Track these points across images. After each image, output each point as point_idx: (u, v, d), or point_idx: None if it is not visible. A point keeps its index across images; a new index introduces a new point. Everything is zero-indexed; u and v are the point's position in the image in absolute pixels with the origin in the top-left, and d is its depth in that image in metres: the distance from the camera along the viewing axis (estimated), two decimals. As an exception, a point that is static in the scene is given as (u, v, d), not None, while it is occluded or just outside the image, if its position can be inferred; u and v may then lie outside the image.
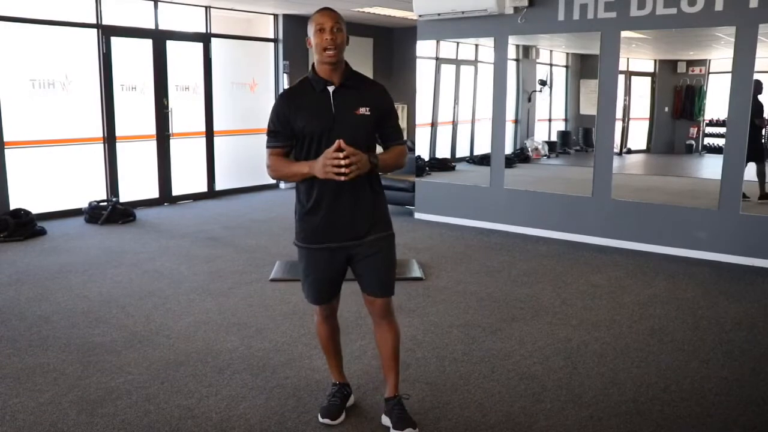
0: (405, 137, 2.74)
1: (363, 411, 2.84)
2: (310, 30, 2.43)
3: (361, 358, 3.36)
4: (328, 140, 2.39)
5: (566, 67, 10.22)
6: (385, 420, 2.69)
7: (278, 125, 2.49)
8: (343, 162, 2.29)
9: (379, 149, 2.58)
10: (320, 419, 2.72)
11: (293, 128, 2.46)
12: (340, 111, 2.45)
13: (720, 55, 8.71)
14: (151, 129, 7.69)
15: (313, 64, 2.50)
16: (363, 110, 2.46)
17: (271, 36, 8.99)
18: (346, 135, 2.39)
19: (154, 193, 7.81)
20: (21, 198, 6.52)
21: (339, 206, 2.46)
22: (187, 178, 8.14)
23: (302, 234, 2.56)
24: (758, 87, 6.64)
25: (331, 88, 2.45)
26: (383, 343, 2.67)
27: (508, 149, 8.37)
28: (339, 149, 2.30)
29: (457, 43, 8.68)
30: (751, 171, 6.65)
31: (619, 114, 6.81)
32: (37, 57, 6.64)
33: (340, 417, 2.74)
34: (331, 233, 2.50)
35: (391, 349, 2.66)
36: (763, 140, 6.63)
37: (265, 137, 2.54)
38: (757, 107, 6.58)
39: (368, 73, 10.05)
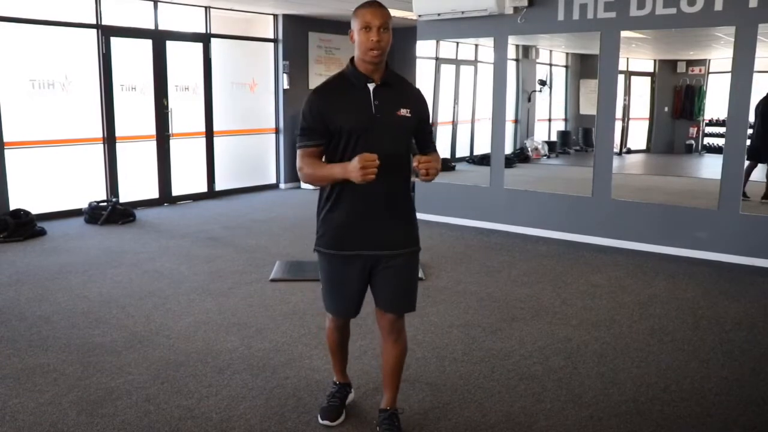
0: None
1: (363, 411, 2.84)
2: (355, 25, 2.28)
3: (361, 358, 3.36)
4: (367, 140, 2.28)
5: (566, 67, 10.23)
6: None
7: (312, 122, 2.32)
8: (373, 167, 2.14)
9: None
10: (320, 420, 2.72)
11: (328, 126, 2.30)
12: (381, 110, 2.32)
13: (720, 55, 8.73)
14: (151, 129, 7.68)
15: (352, 58, 2.37)
16: (404, 111, 2.35)
17: (271, 36, 8.99)
18: (387, 135, 2.31)
19: (154, 193, 7.80)
20: (21, 198, 6.51)
21: (366, 207, 2.35)
22: (187, 179, 8.13)
23: (324, 237, 2.43)
24: None
25: (371, 86, 2.33)
26: (386, 359, 2.58)
27: (508, 149, 8.40)
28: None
29: (457, 43, 8.69)
30: (758, 172, 6.65)
31: (618, 114, 6.83)
32: (36, 57, 6.64)
33: (340, 418, 2.73)
34: (356, 238, 2.38)
35: (393, 366, 2.57)
36: None
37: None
38: None
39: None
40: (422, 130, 2.46)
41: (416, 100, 2.45)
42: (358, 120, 2.30)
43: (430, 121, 2.53)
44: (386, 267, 2.42)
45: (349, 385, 2.87)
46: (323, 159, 2.38)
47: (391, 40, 2.31)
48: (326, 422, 2.70)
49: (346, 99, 2.33)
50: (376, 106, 2.32)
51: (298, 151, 2.38)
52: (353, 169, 2.16)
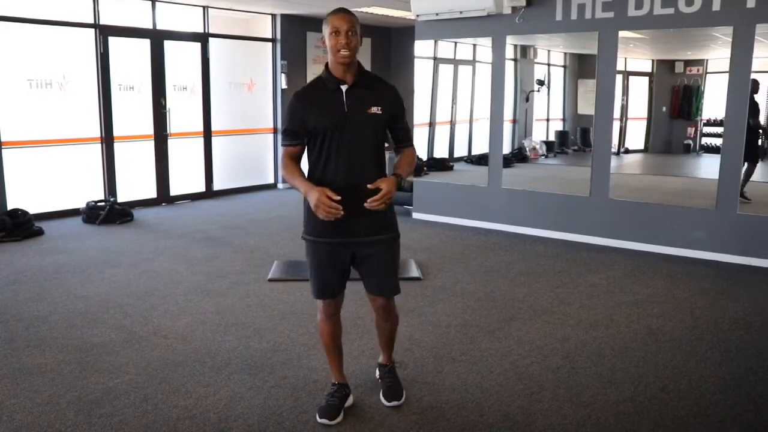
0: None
1: (362, 411, 2.84)
2: (325, 31, 2.49)
3: (360, 358, 3.36)
4: (340, 138, 2.50)
5: (564, 66, 10.23)
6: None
7: (291, 125, 2.56)
8: (334, 211, 2.38)
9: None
10: (318, 419, 2.72)
11: (306, 126, 2.53)
12: (353, 109, 2.52)
13: (717, 55, 8.74)
14: (149, 129, 7.68)
15: (327, 63, 2.57)
16: (375, 109, 2.54)
17: (269, 36, 8.98)
18: (359, 133, 2.50)
19: (151, 193, 7.80)
20: (18, 198, 6.50)
21: (345, 201, 2.44)
22: (185, 178, 8.12)
23: (307, 225, 2.62)
24: (755, 86, 6.62)
25: (344, 87, 2.53)
26: (380, 328, 2.88)
27: (506, 149, 8.40)
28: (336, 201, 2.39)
29: (455, 43, 8.69)
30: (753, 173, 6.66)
31: (616, 114, 6.82)
32: (34, 57, 6.63)
33: (339, 417, 2.74)
34: (336, 228, 2.53)
35: (387, 333, 2.89)
36: (759, 141, 6.62)
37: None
38: (753, 107, 6.58)
39: (366, 73, 10.03)
40: (396, 126, 2.64)
41: (389, 97, 2.62)
42: (331, 120, 2.52)
43: (406, 116, 2.72)
44: (370, 255, 2.63)
45: (347, 386, 2.87)
46: (304, 155, 2.62)
47: (360, 43, 2.52)
48: (324, 420, 2.70)
49: (321, 101, 2.55)
50: (348, 106, 2.53)
51: (281, 150, 2.65)
52: (311, 199, 2.42)
